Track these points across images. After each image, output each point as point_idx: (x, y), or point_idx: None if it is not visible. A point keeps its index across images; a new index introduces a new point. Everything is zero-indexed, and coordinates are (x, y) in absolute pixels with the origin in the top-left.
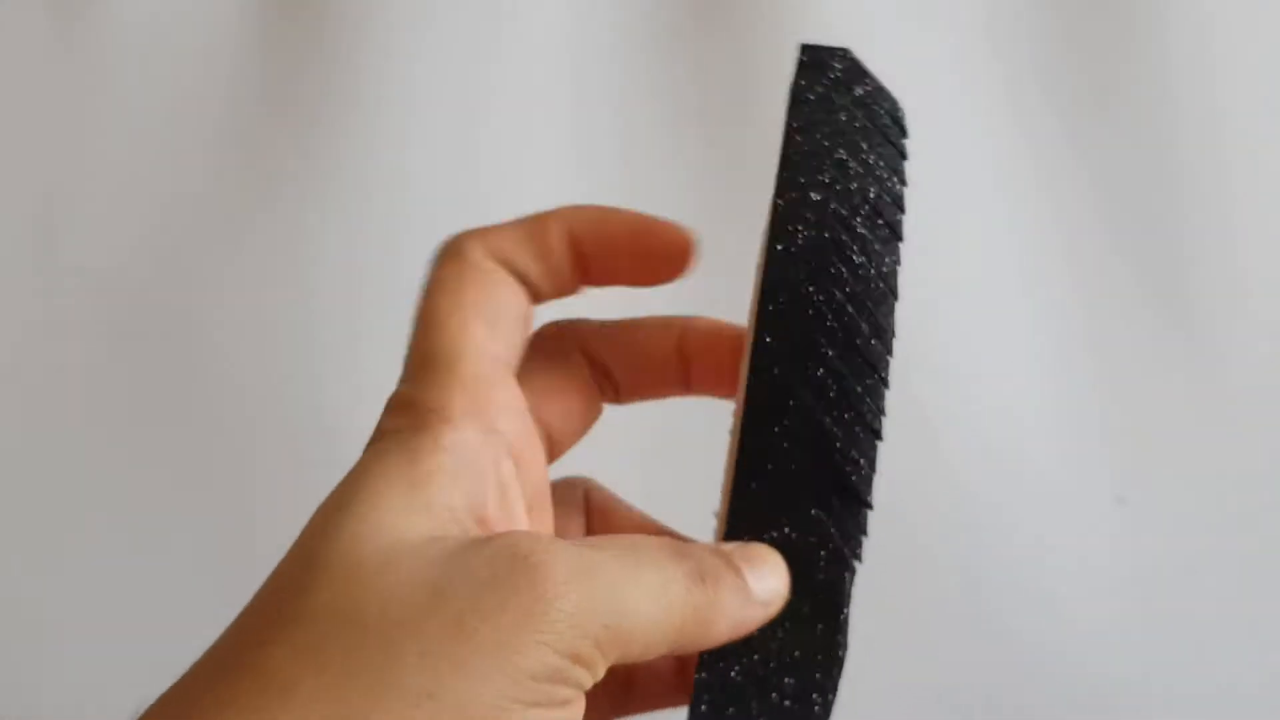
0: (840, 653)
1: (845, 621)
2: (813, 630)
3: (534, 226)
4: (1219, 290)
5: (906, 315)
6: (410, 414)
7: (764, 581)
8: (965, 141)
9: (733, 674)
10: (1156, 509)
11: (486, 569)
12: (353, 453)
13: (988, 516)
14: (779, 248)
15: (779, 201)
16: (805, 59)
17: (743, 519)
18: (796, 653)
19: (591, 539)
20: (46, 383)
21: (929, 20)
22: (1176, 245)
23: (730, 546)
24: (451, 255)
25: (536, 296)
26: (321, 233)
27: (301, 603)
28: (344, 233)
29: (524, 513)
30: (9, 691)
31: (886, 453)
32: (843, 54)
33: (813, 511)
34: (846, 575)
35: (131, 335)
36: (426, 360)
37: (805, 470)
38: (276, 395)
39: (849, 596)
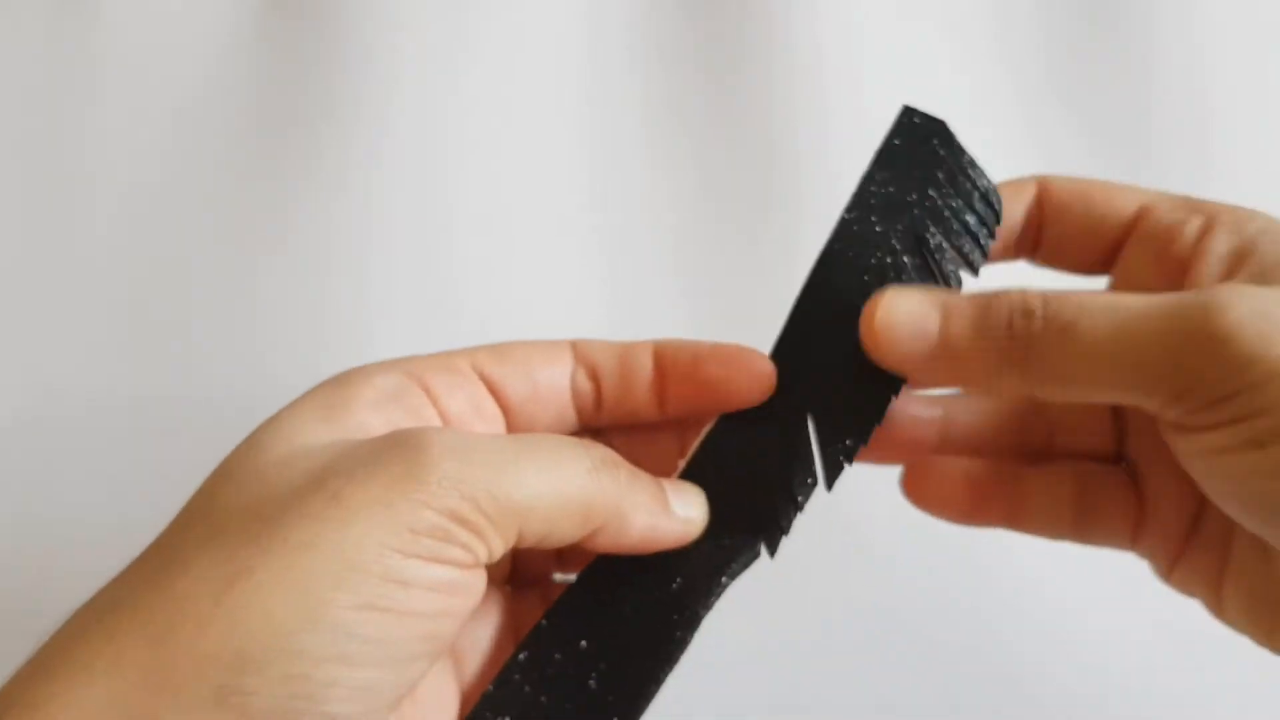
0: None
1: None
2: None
3: (627, 343)
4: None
5: None
6: (378, 366)
7: (684, 501)
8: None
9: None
10: None
11: (369, 452)
12: None
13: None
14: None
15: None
16: (900, 120)
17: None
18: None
19: (496, 434)
20: (46, 383)
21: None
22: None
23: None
24: (552, 340)
25: (598, 398)
26: (323, 233)
27: (209, 504)
28: (346, 233)
29: None
30: None
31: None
32: (938, 124)
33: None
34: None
35: (131, 335)
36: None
37: (759, 465)
38: (277, 395)
39: (717, 588)
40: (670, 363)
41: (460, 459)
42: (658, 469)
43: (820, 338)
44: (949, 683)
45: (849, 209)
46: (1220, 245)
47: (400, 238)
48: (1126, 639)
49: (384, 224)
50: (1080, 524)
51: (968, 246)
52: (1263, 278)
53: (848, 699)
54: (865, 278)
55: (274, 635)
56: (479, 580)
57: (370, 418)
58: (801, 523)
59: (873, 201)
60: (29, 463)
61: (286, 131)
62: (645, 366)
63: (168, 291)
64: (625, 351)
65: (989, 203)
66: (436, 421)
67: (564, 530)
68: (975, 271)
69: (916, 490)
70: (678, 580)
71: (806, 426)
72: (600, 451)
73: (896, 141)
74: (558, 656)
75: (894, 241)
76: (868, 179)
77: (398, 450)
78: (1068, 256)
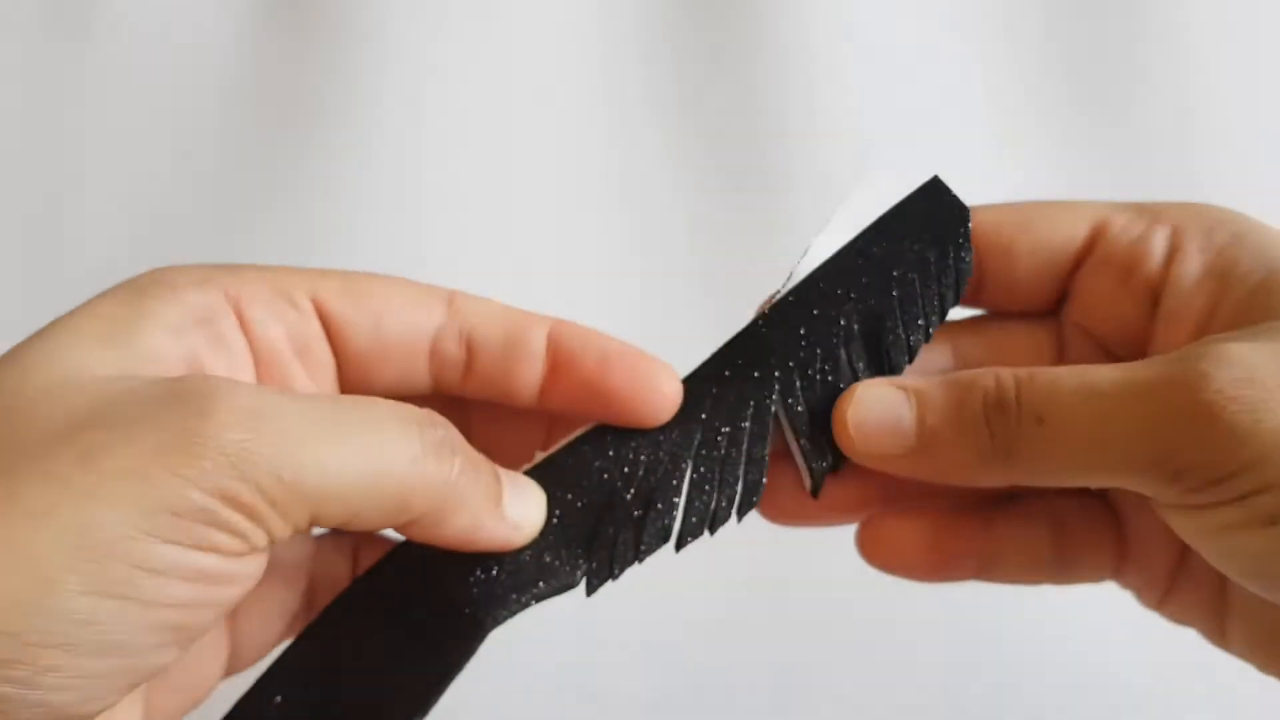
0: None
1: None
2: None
3: (520, 312)
4: None
5: None
6: (185, 272)
7: (521, 502)
8: (970, 137)
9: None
10: None
11: (141, 401)
12: None
13: None
14: (761, 327)
15: (806, 291)
16: (926, 189)
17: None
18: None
19: (309, 391)
20: None
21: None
22: None
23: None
24: (429, 287)
25: (469, 367)
26: (325, 233)
27: None
28: (348, 233)
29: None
30: None
31: None
32: (961, 210)
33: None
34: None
35: None
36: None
37: (626, 490)
38: None
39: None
40: (567, 357)
41: (248, 428)
42: (510, 455)
43: (737, 384)
44: (944, 687)
45: (822, 270)
46: (1192, 267)
47: (405, 240)
48: (1128, 640)
49: (387, 224)
50: (1059, 566)
51: (917, 337)
52: (1249, 308)
53: (844, 700)
54: (805, 340)
55: None
56: (253, 566)
57: (165, 343)
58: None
59: (856, 264)
60: None
61: (287, 131)
62: (536, 352)
63: None
64: (514, 326)
65: (959, 289)
66: (244, 357)
67: (371, 519)
68: (911, 359)
69: (873, 552)
70: (476, 585)
71: (683, 470)
72: (436, 433)
73: (907, 213)
74: (325, 652)
75: (853, 317)
76: (864, 241)
77: (175, 407)
78: (1017, 297)
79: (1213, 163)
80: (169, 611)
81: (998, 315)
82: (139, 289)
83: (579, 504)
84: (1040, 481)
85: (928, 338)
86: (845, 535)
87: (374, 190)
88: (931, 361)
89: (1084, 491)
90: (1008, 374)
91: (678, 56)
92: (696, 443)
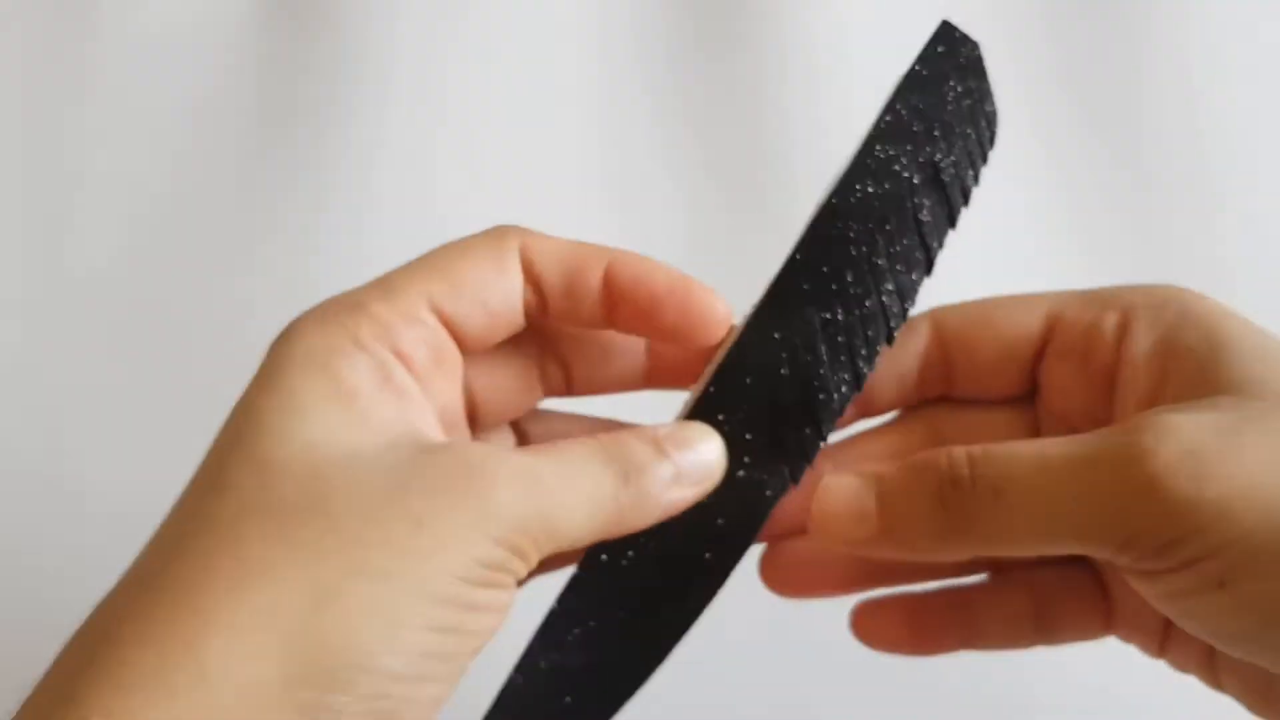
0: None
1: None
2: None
3: (579, 249)
4: (1219, 287)
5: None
6: (321, 330)
7: (695, 460)
8: None
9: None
10: None
11: (442, 477)
12: None
13: None
14: (834, 200)
15: (864, 158)
16: (939, 34)
17: (709, 404)
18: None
19: (533, 447)
20: (47, 384)
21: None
22: (1178, 246)
23: (665, 430)
24: (492, 231)
25: (543, 308)
26: (326, 234)
27: (267, 497)
28: (349, 234)
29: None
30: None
31: None
32: (973, 45)
33: (771, 422)
34: (768, 495)
35: (132, 336)
36: (381, 283)
37: (782, 380)
38: None
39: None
40: (619, 295)
41: (522, 490)
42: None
43: (832, 252)
44: (942, 680)
45: (872, 136)
46: (1142, 346)
47: (406, 241)
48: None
49: (388, 224)
50: (1044, 632)
51: (970, 175)
52: (1196, 382)
53: (840, 699)
54: (878, 206)
55: (360, 656)
56: (514, 590)
57: (380, 405)
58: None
59: (900, 126)
60: (27, 462)
61: (290, 132)
62: (592, 289)
63: (169, 292)
64: (573, 265)
65: (992, 128)
66: (420, 398)
67: (582, 544)
68: (967, 202)
69: (862, 633)
70: (705, 530)
71: (819, 347)
72: (624, 460)
73: (928, 62)
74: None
75: (914, 172)
76: (899, 99)
77: (469, 480)
78: (988, 388)
79: (1226, 159)
80: (478, 637)
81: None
82: (327, 354)
83: (752, 413)
84: (1003, 552)
85: (978, 181)
86: None
87: (375, 189)
88: (908, 443)
89: (1064, 558)
90: (960, 452)
91: (680, 57)
92: (820, 321)
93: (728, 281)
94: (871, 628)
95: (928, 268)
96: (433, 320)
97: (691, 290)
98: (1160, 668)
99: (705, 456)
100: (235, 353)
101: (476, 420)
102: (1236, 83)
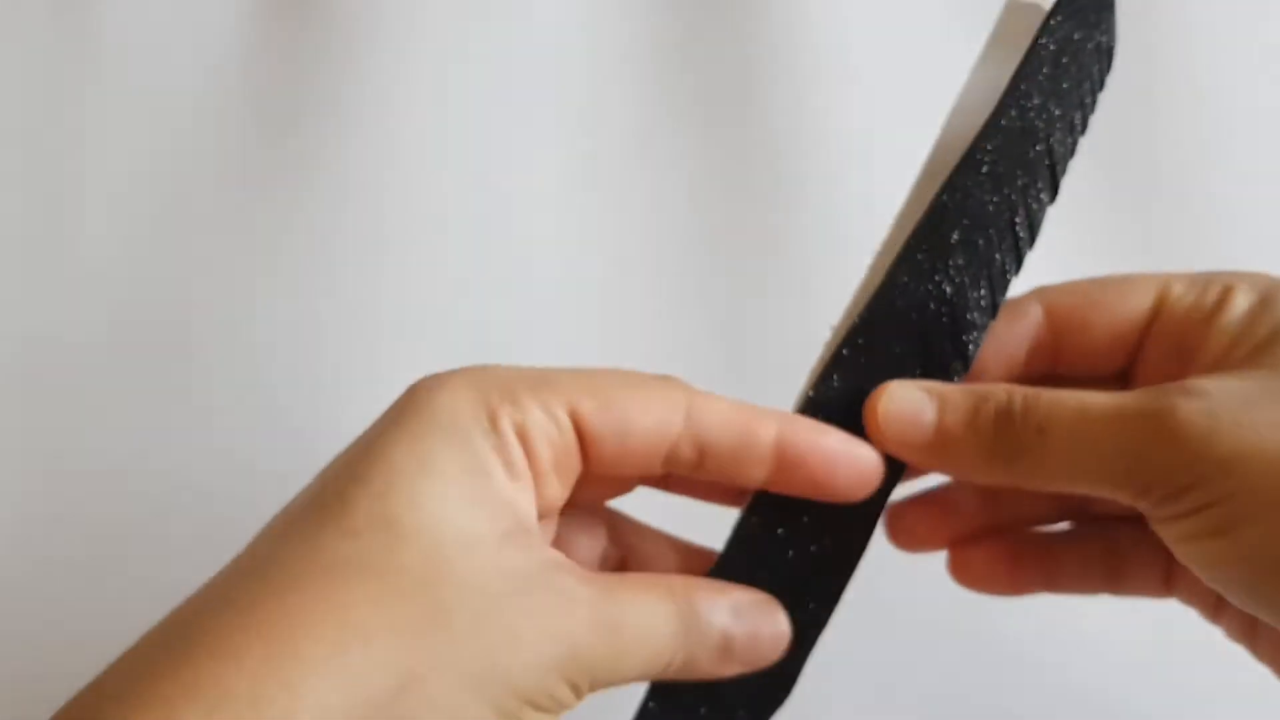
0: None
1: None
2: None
3: (748, 413)
4: None
5: None
6: (468, 398)
7: (756, 643)
8: None
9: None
10: None
11: (544, 601)
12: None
13: None
14: (967, 162)
15: (1001, 119)
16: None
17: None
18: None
19: (620, 583)
20: (48, 384)
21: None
22: (1176, 247)
23: (746, 599)
24: (667, 378)
25: (698, 465)
26: (327, 233)
27: (387, 560)
28: (351, 233)
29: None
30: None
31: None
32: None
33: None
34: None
35: (133, 335)
36: (531, 374)
37: (929, 316)
38: (281, 394)
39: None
40: (793, 460)
41: (601, 643)
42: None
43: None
44: (940, 681)
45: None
46: (1231, 317)
47: (407, 240)
48: (1127, 642)
49: (390, 224)
50: (1114, 584)
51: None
52: (1257, 355)
53: (840, 700)
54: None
55: None
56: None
57: (504, 492)
58: None
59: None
60: (30, 462)
61: (291, 131)
62: (764, 457)
63: (171, 293)
64: (745, 431)
65: (1102, 86)
66: (530, 485)
67: (644, 679)
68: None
69: (963, 575)
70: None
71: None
72: (693, 630)
73: (1059, 22)
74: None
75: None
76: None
77: (566, 615)
78: (1092, 366)
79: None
80: None
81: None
82: (460, 435)
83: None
84: (1038, 486)
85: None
86: None
87: (377, 187)
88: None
89: (1137, 516)
90: (1018, 390)
91: (681, 60)
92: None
93: (728, 276)
94: (970, 567)
95: (1053, 195)
96: (568, 425)
97: (859, 455)
98: (1159, 670)
99: (769, 643)
100: (235, 352)
101: (573, 503)
102: (1238, 83)
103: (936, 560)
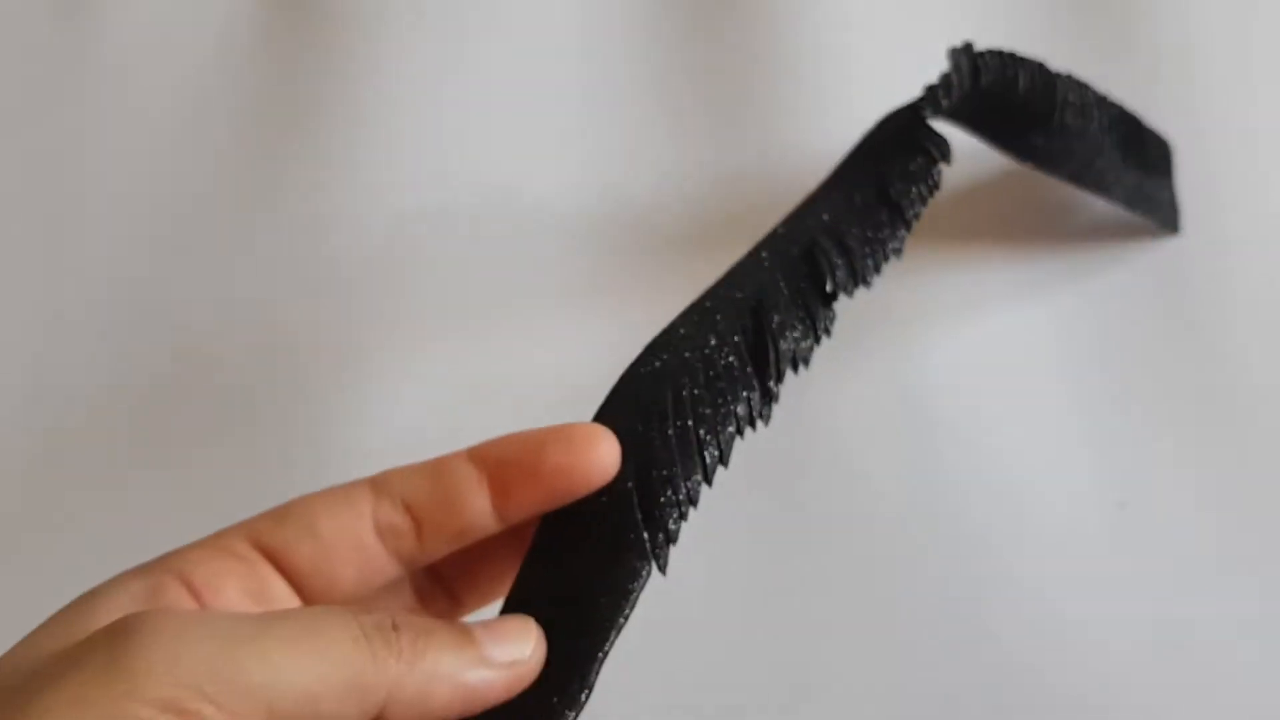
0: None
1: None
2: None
3: (433, 460)
4: (1218, 288)
5: (907, 324)
6: (133, 573)
7: (504, 642)
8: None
9: None
10: (1158, 513)
11: (76, 648)
12: (359, 452)
13: (986, 520)
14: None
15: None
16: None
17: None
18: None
19: (242, 612)
20: (49, 384)
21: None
22: (1176, 246)
23: (480, 627)
24: (350, 483)
25: (418, 529)
26: (330, 232)
27: None
28: (353, 232)
29: None
30: None
31: (881, 456)
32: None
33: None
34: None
35: (135, 335)
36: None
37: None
38: (283, 394)
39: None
40: (499, 463)
41: (176, 641)
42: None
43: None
44: (937, 682)
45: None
46: None
47: (408, 240)
48: (1126, 640)
49: (391, 223)
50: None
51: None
52: None
53: (844, 703)
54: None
55: None
56: None
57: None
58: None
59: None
60: (31, 462)
61: (293, 130)
62: (469, 476)
63: (172, 292)
64: (437, 468)
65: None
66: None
67: (340, 711)
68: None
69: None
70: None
71: (633, 508)
72: (373, 617)
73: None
74: None
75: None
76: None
77: (103, 642)
78: None
79: (1217, 163)
80: None
81: None
82: (92, 592)
83: (562, 599)
84: None
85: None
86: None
87: (377, 186)
88: None
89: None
90: None
91: (685, 63)
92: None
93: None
94: None
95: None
96: (251, 554)
97: (566, 429)
98: (1159, 670)
99: (516, 645)
100: (237, 351)
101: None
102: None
103: (937, 560)
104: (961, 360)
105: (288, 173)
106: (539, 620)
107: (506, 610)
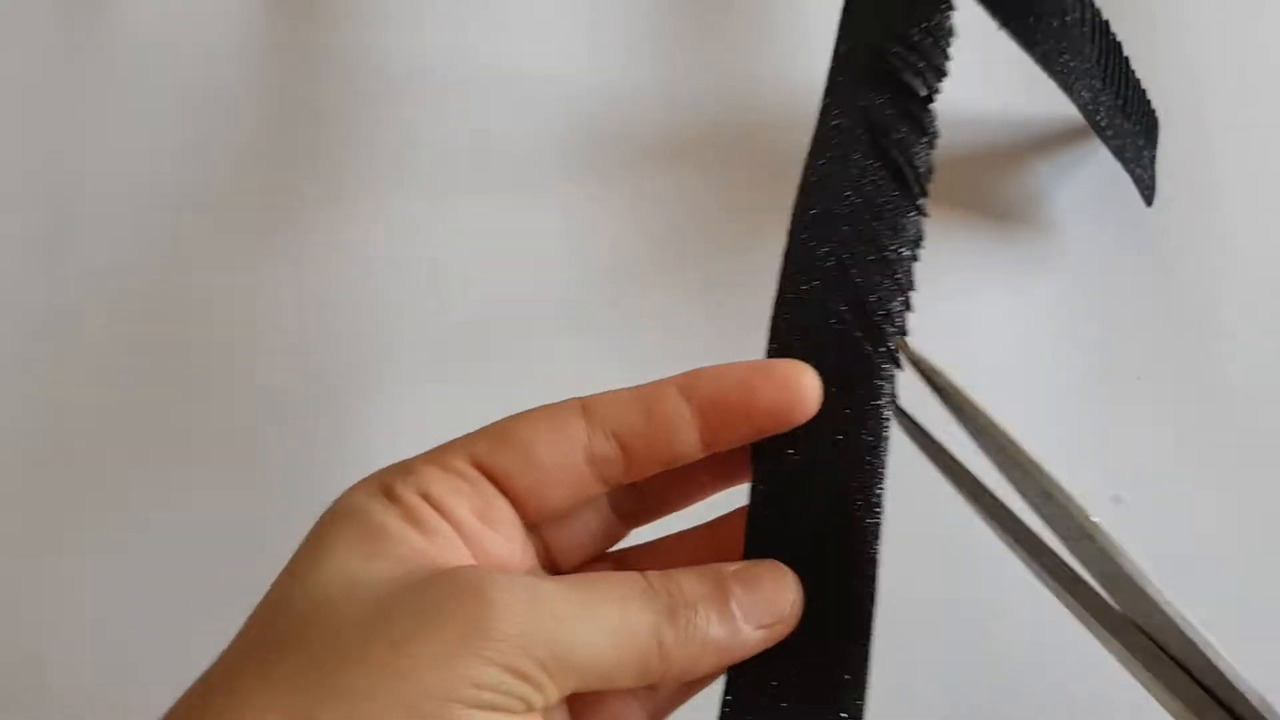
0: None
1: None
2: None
3: (641, 388)
4: (1217, 285)
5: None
6: (364, 487)
7: (760, 606)
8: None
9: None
10: (1154, 508)
11: (431, 598)
12: (361, 452)
13: (977, 516)
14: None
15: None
16: None
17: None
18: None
19: (563, 576)
20: (50, 383)
21: None
22: (1173, 241)
23: (733, 568)
24: (553, 403)
25: (628, 459)
26: (331, 232)
27: (267, 635)
28: (353, 231)
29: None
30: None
31: None
32: None
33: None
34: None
35: (137, 336)
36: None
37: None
38: (284, 393)
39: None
40: (711, 400)
41: (525, 613)
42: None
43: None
44: (935, 680)
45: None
46: None
47: (408, 239)
48: None
49: (392, 222)
50: None
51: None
52: None
53: None
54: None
55: None
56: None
57: (405, 542)
58: None
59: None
60: (31, 461)
61: (295, 128)
62: (680, 411)
63: (174, 291)
64: (649, 400)
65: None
66: (454, 539)
67: (625, 681)
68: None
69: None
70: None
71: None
72: (666, 598)
73: None
74: None
75: None
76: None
77: (459, 600)
78: None
79: (1216, 158)
80: None
81: None
82: (356, 506)
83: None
84: None
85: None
86: None
87: (381, 184)
88: None
89: None
90: None
91: (686, 65)
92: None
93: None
94: None
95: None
96: (474, 473)
97: (772, 365)
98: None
99: (773, 594)
100: (237, 352)
101: (557, 570)
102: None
103: (934, 561)
104: (945, 350)
105: (294, 168)
106: (786, 552)
107: (751, 543)
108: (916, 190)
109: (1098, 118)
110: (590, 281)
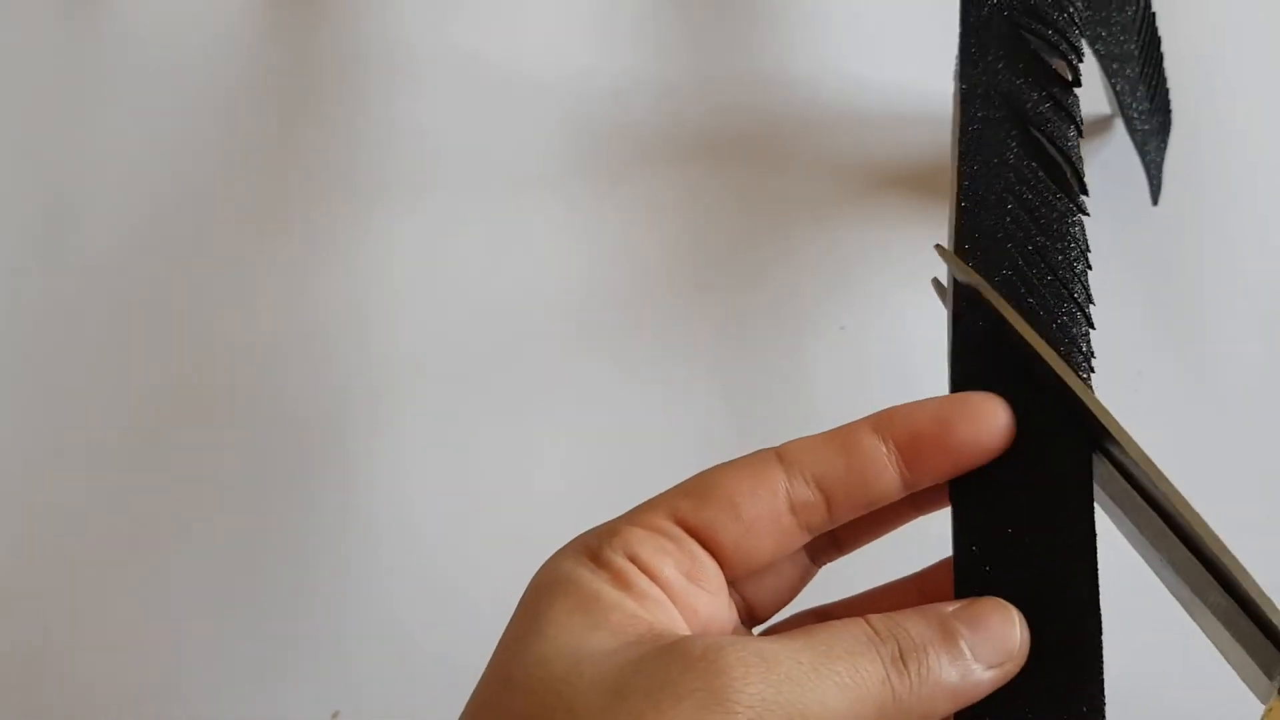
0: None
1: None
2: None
3: (836, 431)
4: (1216, 283)
5: (898, 307)
6: (568, 553)
7: (989, 645)
8: None
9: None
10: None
11: (662, 671)
12: (361, 452)
13: None
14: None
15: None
16: None
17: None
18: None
19: (777, 635)
20: (50, 382)
21: None
22: (1174, 239)
23: (952, 608)
24: (756, 456)
25: (829, 504)
26: (332, 230)
27: (499, 713)
28: (354, 230)
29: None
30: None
31: None
32: None
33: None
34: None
35: (138, 332)
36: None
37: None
38: (285, 392)
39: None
40: (907, 435)
41: (760, 680)
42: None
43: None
44: None
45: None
46: None
47: (409, 238)
48: (1124, 637)
49: (393, 221)
50: None
51: None
52: None
53: None
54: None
55: None
56: None
57: (619, 608)
58: None
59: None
60: (32, 461)
61: (295, 127)
62: (878, 451)
63: (174, 290)
64: (846, 444)
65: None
66: (664, 602)
67: None
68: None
69: None
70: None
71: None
72: (894, 644)
73: None
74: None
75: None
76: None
77: (693, 673)
78: None
79: (1217, 155)
80: None
81: None
82: (571, 574)
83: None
84: None
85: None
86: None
87: (384, 181)
88: None
89: None
90: None
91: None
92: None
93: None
94: None
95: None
96: (678, 532)
97: (961, 400)
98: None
99: (1000, 632)
100: (237, 351)
101: (756, 620)
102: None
103: (922, 552)
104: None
105: (295, 165)
106: (1005, 588)
107: (961, 585)
108: (1077, 188)
109: (1132, 108)
110: (596, 282)
